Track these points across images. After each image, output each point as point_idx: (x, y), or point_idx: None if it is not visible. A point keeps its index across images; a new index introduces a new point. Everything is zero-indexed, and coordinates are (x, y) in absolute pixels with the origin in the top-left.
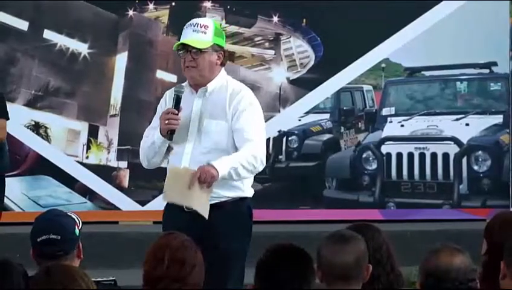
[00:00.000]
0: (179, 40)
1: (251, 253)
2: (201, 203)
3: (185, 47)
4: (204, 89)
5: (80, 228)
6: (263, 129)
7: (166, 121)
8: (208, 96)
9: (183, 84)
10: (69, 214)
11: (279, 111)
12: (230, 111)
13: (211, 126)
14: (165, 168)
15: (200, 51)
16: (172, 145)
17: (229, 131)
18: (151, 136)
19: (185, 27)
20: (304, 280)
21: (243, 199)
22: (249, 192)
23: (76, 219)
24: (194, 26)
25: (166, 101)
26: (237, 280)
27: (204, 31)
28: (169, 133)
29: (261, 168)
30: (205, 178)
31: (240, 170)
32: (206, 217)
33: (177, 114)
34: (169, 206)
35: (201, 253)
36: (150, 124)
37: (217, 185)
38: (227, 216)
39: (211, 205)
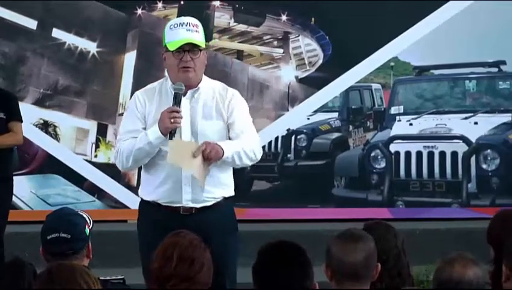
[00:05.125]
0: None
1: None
2: (200, 173)
3: (181, 47)
4: (195, 90)
5: (90, 227)
6: (253, 125)
7: (172, 120)
8: (197, 97)
9: (175, 83)
10: (80, 213)
11: (287, 110)
12: (225, 109)
13: (207, 127)
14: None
15: (199, 50)
16: (162, 147)
17: (226, 130)
18: (142, 137)
19: (172, 27)
20: (302, 274)
21: (232, 197)
22: (233, 190)
23: (87, 219)
24: (187, 25)
25: (141, 103)
26: (233, 278)
27: (197, 30)
28: (171, 133)
29: (259, 157)
30: (210, 153)
31: (242, 155)
32: (203, 186)
33: (180, 112)
34: (146, 206)
35: None
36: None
37: (212, 184)
38: (219, 215)
39: (207, 207)
